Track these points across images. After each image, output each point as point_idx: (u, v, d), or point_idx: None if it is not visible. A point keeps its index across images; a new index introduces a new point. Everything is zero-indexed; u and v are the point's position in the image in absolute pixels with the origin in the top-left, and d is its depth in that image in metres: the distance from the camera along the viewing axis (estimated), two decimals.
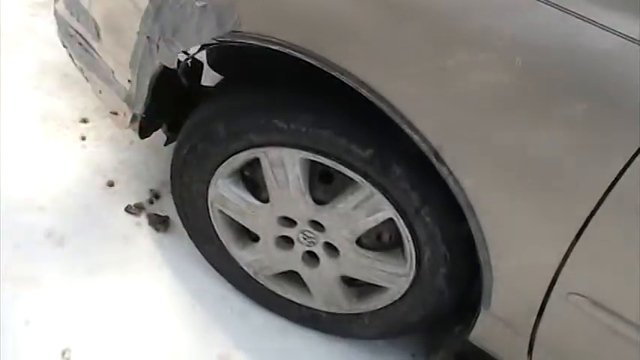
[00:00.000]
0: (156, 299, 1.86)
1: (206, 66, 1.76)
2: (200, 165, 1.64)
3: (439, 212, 1.45)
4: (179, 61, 1.56)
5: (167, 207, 2.04)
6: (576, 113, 1.14)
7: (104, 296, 1.84)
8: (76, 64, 1.93)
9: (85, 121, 2.21)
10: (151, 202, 2.04)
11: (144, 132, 1.82)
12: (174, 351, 1.78)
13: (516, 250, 1.32)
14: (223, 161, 1.60)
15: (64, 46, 1.91)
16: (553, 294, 1.32)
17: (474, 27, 1.16)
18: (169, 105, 1.78)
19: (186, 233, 1.93)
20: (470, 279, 1.57)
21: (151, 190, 2.08)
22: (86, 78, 1.92)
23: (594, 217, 1.19)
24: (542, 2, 1.12)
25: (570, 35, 1.10)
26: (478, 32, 1.16)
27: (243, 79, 1.63)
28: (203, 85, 1.85)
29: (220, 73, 1.87)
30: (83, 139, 2.17)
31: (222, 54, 1.73)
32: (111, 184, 2.07)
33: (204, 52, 1.63)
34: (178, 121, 1.80)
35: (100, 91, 1.86)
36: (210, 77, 1.80)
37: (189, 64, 1.61)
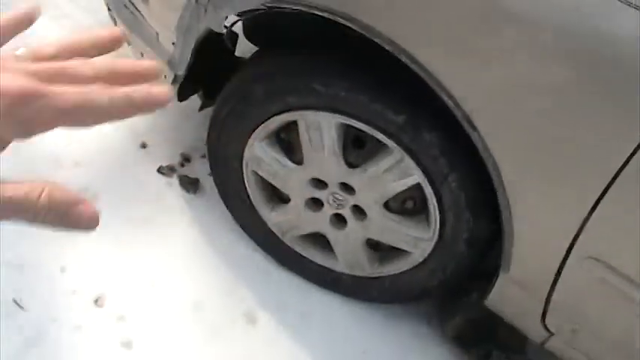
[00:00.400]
0: (183, 255, 1.98)
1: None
2: (238, 126, 1.76)
3: (465, 178, 1.57)
4: (225, 26, 1.67)
5: (197, 170, 2.15)
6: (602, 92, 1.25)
7: (135, 249, 1.96)
8: (119, 28, 2.05)
9: None
10: (182, 165, 2.16)
11: (181, 95, 1.94)
12: (200, 304, 1.90)
13: (538, 214, 1.44)
14: (261, 123, 1.72)
15: (109, 9, 2.03)
16: (570, 258, 1.43)
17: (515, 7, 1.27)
18: (207, 70, 1.89)
19: (214, 195, 2.06)
20: (489, 244, 1.68)
21: (182, 154, 2.19)
22: (128, 41, 2.03)
23: (614, 184, 1.30)
24: None
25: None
26: (519, 12, 1.27)
27: (278, 49, 1.74)
28: (237, 56, 1.97)
29: (255, 44, 1.99)
30: None
31: (258, 24, 1.84)
32: (144, 146, 2.19)
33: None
34: (213, 87, 1.92)
35: (142, 54, 1.97)
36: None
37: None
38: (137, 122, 2.24)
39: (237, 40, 1.90)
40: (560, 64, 1.27)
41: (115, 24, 2.06)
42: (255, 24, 1.84)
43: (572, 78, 1.27)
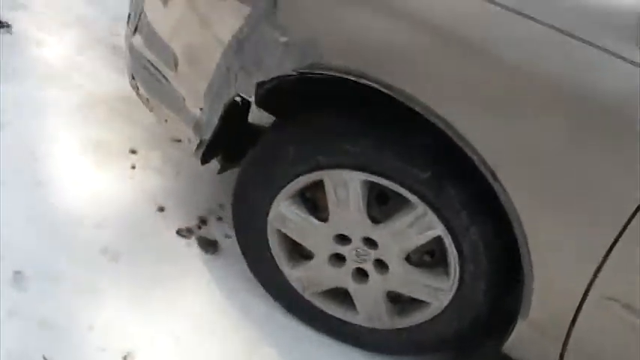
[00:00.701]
0: (206, 313, 2.08)
1: None
2: (265, 186, 1.90)
3: (485, 230, 1.72)
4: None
5: (214, 232, 2.28)
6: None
7: (158, 307, 2.06)
8: (140, 95, 2.20)
9: (133, 151, 2.46)
10: (199, 227, 2.28)
11: (204, 159, 2.08)
12: None
13: (557, 259, 1.59)
14: (288, 183, 1.86)
15: (133, 78, 2.18)
16: (588, 299, 1.58)
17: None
18: (229, 135, 2.04)
19: (232, 256, 2.19)
20: (504, 294, 1.82)
21: (199, 217, 2.32)
22: (151, 108, 2.18)
23: (628, 226, 1.47)
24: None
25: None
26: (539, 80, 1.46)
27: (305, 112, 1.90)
28: (250, 122, 2.12)
29: (267, 110, 2.15)
30: (133, 167, 2.41)
31: (273, 92, 1.99)
32: (161, 209, 2.31)
33: None
34: (232, 152, 2.07)
35: (166, 120, 2.12)
36: None
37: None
38: (153, 187, 2.37)
39: (249, 107, 2.04)
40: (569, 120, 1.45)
41: (137, 92, 2.20)
42: (268, 92, 1.97)
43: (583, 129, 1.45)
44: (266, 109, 2.13)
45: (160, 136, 2.51)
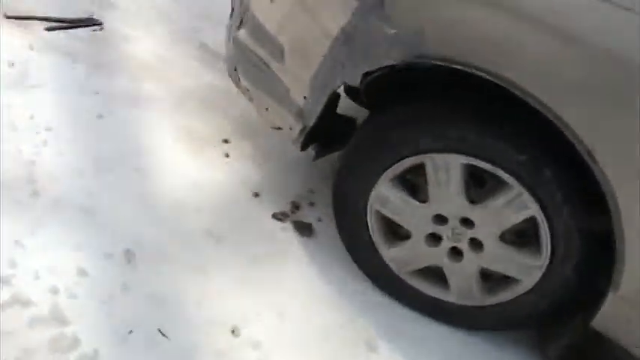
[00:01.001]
0: (304, 289, 2.27)
1: None
2: (368, 169, 2.08)
3: (578, 209, 1.88)
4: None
5: (308, 215, 2.46)
6: None
7: (261, 284, 2.25)
8: (240, 86, 2.39)
9: (226, 141, 2.66)
10: (293, 212, 2.47)
11: (303, 145, 2.26)
12: (326, 334, 2.17)
13: None
14: (391, 165, 2.04)
15: (235, 69, 2.37)
16: None
17: None
18: (328, 122, 2.22)
19: (327, 238, 2.39)
20: (593, 271, 1.98)
21: (292, 202, 2.51)
22: (250, 98, 2.38)
23: None
24: None
25: None
26: None
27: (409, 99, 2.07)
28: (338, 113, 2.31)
29: (356, 101, 2.34)
30: (227, 156, 2.61)
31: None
32: (256, 195, 2.50)
33: None
34: (329, 138, 2.26)
35: (267, 109, 2.31)
36: None
37: None
38: (247, 174, 2.56)
39: (339, 98, 2.22)
40: None
41: (238, 83, 2.39)
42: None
43: None
44: (354, 100, 2.32)
45: (249, 126, 2.71)
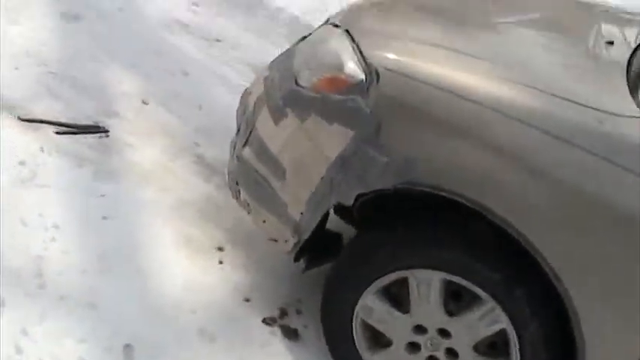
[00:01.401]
0: None
1: None
2: (356, 281, 2.36)
3: (544, 324, 2.17)
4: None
5: (295, 322, 2.72)
6: None
7: None
8: (240, 200, 2.69)
9: (220, 249, 2.93)
10: (281, 318, 2.73)
11: (296, 257, 2.55)
12: None
13: (608, 342, 2.03)
14: (376, 279, 2.32)
15: (237, 183, 2.67)
16: None
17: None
18: (317, 237, 2.51)
19: (312, 343, 2.63)
20: None
21: (280, 308, 2.76)
22: (249, 210, 2.67)
23: None
24: None
25: None
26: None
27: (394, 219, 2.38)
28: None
29: (344, 220, 2.65)
30: (220, 262, 2.88)
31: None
32: (247, 300, 2.76)
33: None
34: (316, 252, 2.55)
35: (264, 221, 2.59)
36: None
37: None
38: (239, 280, 2.83)
39: (328, 216, 2.52)
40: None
41: (237, 196, 2.69)
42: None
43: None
44: (343, 218, 2.63)
45: (242, 236, 2.98)
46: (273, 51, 3.15)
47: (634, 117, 2.03)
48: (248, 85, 2.88)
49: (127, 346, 2.45)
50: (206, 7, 4.74)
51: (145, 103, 3.64)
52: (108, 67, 3.82)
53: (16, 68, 3.57)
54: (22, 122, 3.24)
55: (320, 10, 4.41)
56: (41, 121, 3.27)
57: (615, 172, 1.97)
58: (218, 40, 4.46)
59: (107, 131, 3.35)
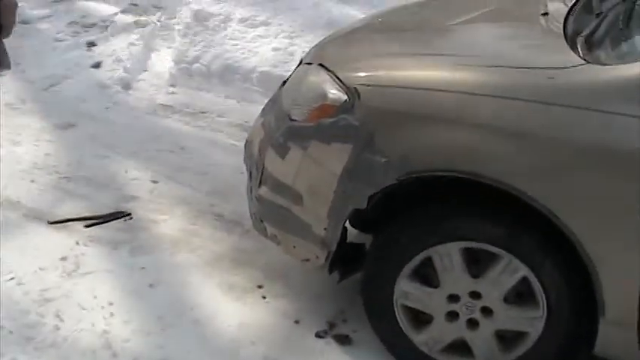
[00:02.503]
0: None
1: None
2: (387, 272, 2.78)
3: (556, 261, 2.58)
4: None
5: (344, 329, 3.13)
6: None
7: None
8: (269, 235, 3.11)
9: (260, 286, 3.36)
10: (331, 329, 3.14)
11: (330, 269, 2.97)
12: None
13: (616, 265, 2.44)
14: (405, 265, 2.75)
15: (261, 221, 3.11)
16: None
17: None
18: (343, 250, 2.94)
19: (364, 343, 3.03)
20: (586, 310, 2.64)
21: (328, 322, 3.17)
22: (278, 242, 3.10)
23: None
24: None
25: None
26: None
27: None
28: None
29: (362, 231, 3.09)
30: (264, 297, 3.30)
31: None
32: (297, 322, 3.17)
33: None
34: (345, 263, 2.98)
35: (294, 246, 3.02)
36: None
37: None
38: (285, 307, 3.25)
39: (347, 231, 2.95)
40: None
41: (265, 232, 3.12)
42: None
43: None
44: (360, 230, 3.07)
45: (276, 270, 3.42)
46: (254, 109, 3.69)
47: (579, 65, 2.48)
48: (241, 143, 3.38)
49: None
50: (183, 86, 5.28)
51: (154, 182, 4.12)
52: (113, 160, 4.32)
53: (32, 181, 4.06)
54: (53, 225, 3.68)
55: (287, 61, 4.97)
56: (68, 220, 3.71)
57: (579, 114, 2.40)
58: (203, 112, 4.98)
59: (129, 214, 3.80)
